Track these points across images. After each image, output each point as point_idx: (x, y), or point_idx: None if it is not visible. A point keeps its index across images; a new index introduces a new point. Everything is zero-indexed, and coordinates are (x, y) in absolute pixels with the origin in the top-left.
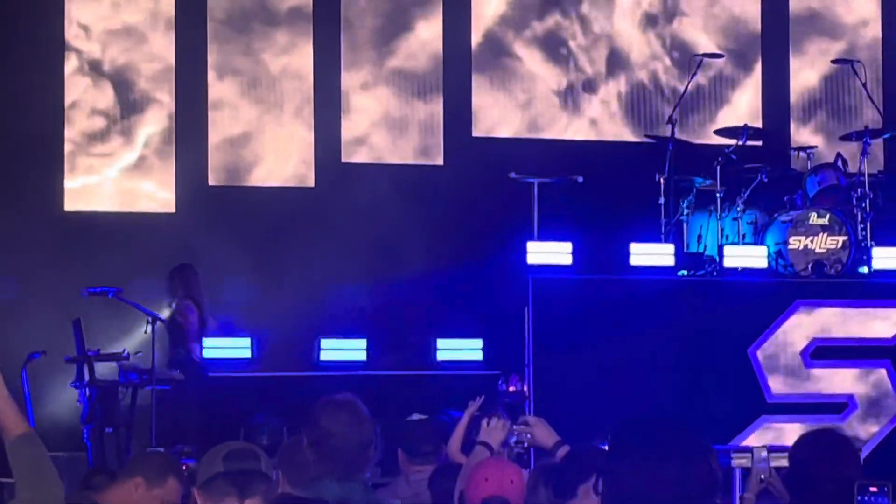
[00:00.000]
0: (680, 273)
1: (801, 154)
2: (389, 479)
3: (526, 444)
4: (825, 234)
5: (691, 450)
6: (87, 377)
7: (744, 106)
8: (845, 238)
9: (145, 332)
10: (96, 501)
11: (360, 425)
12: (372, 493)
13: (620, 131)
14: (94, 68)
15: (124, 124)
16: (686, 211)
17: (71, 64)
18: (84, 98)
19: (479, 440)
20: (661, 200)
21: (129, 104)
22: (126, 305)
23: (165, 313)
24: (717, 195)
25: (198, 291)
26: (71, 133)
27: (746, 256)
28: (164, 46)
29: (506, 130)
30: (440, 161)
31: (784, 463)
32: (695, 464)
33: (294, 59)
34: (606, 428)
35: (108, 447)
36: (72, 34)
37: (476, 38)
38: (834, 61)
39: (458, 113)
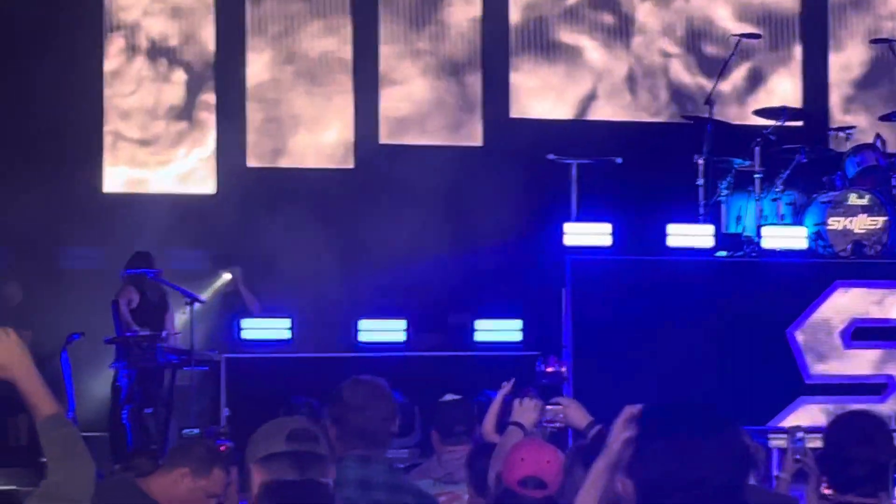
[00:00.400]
0: (718, 254)
1: (841, 134)
2: (426, 459)
3: (559, 425)
4: (865, 215)
5: (722, 429)
6: (126, 358)
7: (783, 86)
8: (885, 218)
9: (184, 314)
10: (137, 484)
11: (381, 400)
12: (395, 473)
13: (659, 112)
14: (135, 49)
15: (164, 106)
16: (725, 192)
17: (111, 44)
18: (123, 78)
19: (512, 421)
20: (700, 181)
21: (169, 86)
22: (165, 286)
23: (206, 294)
24: (756, 176)
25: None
26: (110, 115)
27: (785, 237)
28: (204, 28)
29: (544, 111)
30: (479, 142)
31: (820, 444)
32: (726, 443)
33: (333, 40)
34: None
35: (148, 428)
36: (114, 15)
37: (515, 16)
38: (872, 41)
39: (497, 93)
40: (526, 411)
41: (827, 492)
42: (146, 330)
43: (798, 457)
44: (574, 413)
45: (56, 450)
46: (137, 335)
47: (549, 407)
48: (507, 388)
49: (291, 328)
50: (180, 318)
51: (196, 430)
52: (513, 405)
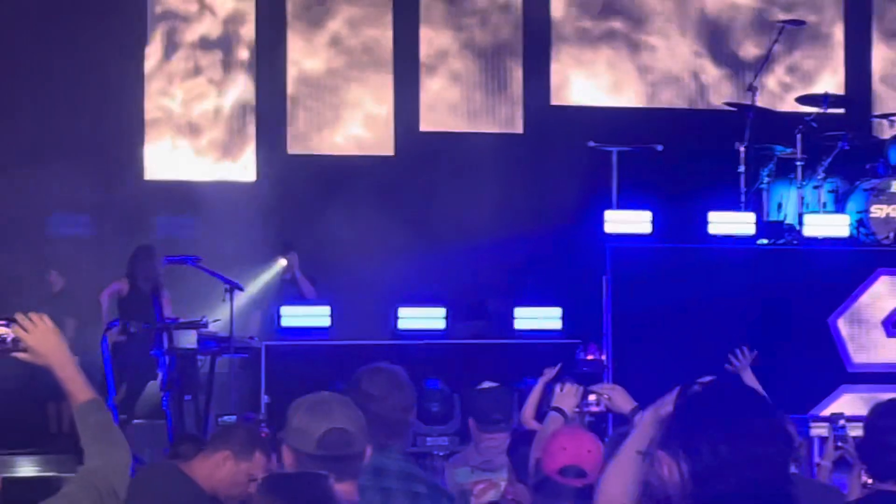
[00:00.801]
0: (760, 242)
1: (884, 122)
2: (465, 447)
3: (603, 408)
4: None
5: (767, 408)
6: (166, 345)
7: (827, 73)
8: None
9: (223, 301)
10: (181, 469)
11: (400, 388)
12: (409, 463)
13: (699, 98)
14: (176, 39)
15: (204, 94)
16: (766, 179)
17: (152, 34)
18: (164, 68)
19: (553, 406)
20: (741, 169)
21: (210, 75)
22: (205, 274)
23: (251, 285)
24: (798, 164)
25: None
26: (150, 103)
27: (827, 225)
28: (245, 16)
29: (585, 98)
30: (520, 129)
31: (861, 432)
32: (774, 422)
33: (374, 29)
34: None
35: (188, 414)
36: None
37: (556, 5)
38: None
39: (538, 81)
40: (566, 396)
41: (867, 480)
42: (135, 322)
43: (840, 444)
44: (619, 398)
45: (92, 435)
46: (178, 322)
47: (590, 392)
48: (549, 374)
49: (331, 315)
50: (220, 304)
51: (234, 418)
52: (553, 391)
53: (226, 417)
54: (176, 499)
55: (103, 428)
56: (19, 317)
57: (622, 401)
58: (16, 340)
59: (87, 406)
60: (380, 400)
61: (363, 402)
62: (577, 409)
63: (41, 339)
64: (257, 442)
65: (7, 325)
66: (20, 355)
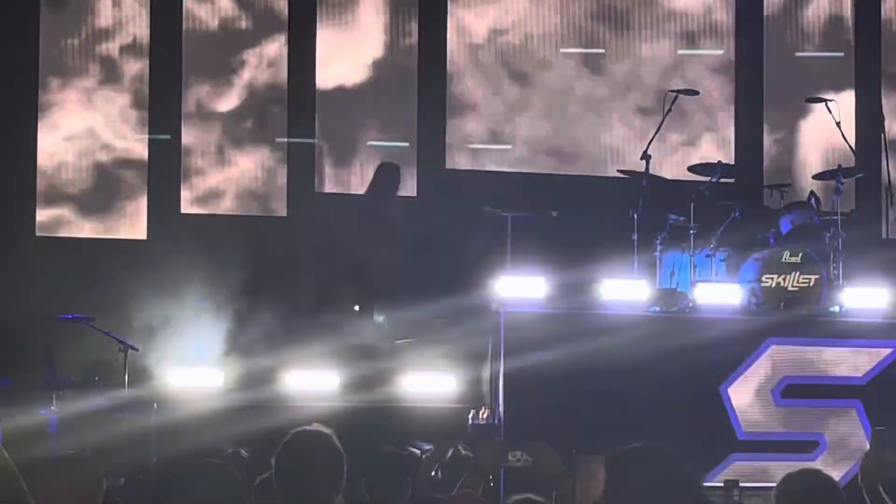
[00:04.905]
0: (652, 309)
1: (775, 192)
2: None
3: (522, 465)
4: (798, 273)
5: (687, 480)
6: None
7: (718, 143)
8: (817, 277)
9: (117, 361)
10: None
11: (330, 455)
12: None
13: (595, 166)
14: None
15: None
16: (659, 247)
17: None
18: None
19: (474, 464)
20: (635, 236)
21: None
22: (97, 333)
23: None
24: (691, 232)
25: None
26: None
27: (719, 294)
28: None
29: (476, 163)
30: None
31: (756, 502)
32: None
33: None
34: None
35: None
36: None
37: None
38: (807, 100)
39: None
40: (487, 453)
41: None
42: None
43: None
44: (545, 457)
45: None
46: (69, 380)
47: (514, 449)
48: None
49: (222, 376)
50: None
51: (122, 480)
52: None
53: (115, 480)
54: None
55: (3, 472)
56: None
57: (550, 461)
58: None
59: None
60: (309, 470)
61: (292, 472)
62: (498, 466)
63: None
64: None
65: None
66: None
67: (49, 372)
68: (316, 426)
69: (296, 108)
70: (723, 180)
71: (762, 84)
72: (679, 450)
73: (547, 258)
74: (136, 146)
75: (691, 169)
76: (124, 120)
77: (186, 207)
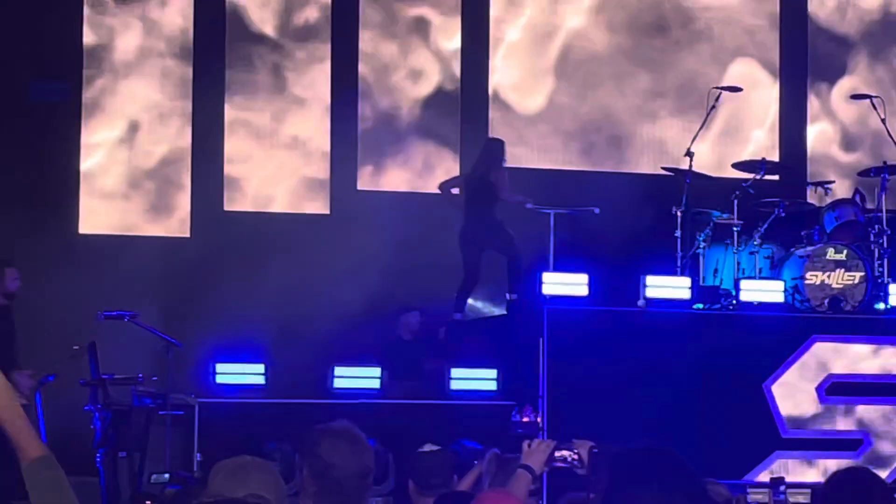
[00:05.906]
0: (695, 306)
1: (819, 189)
2: None
3: (566, 466)
4: (842, 270)
5: (688, 481)
6: (101, 400)
7: (762, 140)
8: (862, 274)
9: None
10: None
11: (360, 454)
12: None
13: (639, 163)
14: None
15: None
16: (702, 244)
17: None
18: None
19: (521, 464)
20: (678, 233)
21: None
22: (140, 329)
23: None
24: (734, 229)
25: None
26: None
27: (763, 291)
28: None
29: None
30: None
31: (801, 499)
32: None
33: None
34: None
35: (122, 472)
36: None
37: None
38: (853, 96)
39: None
40: (535, 453)
41: None
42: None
43: None
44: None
45: (42, 494)
46: (113, 378)
47: (562, 449)
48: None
49: (265, 373)
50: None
51: (166, 476)
52: (522, 448)
53: (157, 476)
54: None
55: (54, 486)
56: None
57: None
58: None
59: (39, 463)
60: (340, 468)
61: (324, 471)
62: (545, 467)
63: None
64: None
65: None
66: None
67: (93, 368)
68: (342, 423)
69: None
70: (767, 177)
71: (805, 82)
72: (717, 448)
73: (589, 256)
74: (180, 144)
75: (735, 166)
76: (167, 118)
77: (229, 205)
